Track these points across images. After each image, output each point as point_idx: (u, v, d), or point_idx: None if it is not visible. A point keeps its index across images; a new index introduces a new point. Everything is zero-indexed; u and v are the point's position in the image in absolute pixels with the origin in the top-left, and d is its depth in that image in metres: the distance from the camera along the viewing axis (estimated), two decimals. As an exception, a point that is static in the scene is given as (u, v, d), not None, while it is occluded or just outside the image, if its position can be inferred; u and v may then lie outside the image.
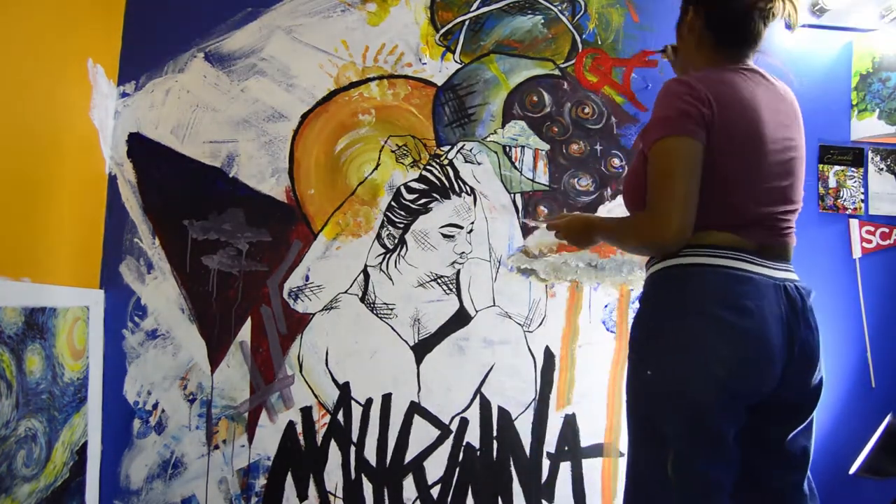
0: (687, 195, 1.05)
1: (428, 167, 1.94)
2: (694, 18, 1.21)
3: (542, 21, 2.00)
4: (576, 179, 1.97)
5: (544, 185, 1.96)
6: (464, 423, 1.89)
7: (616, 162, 1.99)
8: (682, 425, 1.04)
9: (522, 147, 1.96)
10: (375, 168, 1.93)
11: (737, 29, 1.18)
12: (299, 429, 1.85)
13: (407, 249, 1.91)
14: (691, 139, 1.06)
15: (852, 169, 2.06)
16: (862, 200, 2.05)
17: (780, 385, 1.06)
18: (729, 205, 1.09)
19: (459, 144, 1.95)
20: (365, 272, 1.90)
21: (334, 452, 1.85)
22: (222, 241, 1.86)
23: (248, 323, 1.86)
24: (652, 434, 1.08)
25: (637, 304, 1.21)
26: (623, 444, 1.91)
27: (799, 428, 1.14)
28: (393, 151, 1.93)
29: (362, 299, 1.90)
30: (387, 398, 1.88)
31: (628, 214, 1.27)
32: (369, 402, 1.88)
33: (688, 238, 1.06)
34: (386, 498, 1.85)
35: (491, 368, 1.91)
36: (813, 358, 1.10)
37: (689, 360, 1.04)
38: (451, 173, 1.94)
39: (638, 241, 1.16)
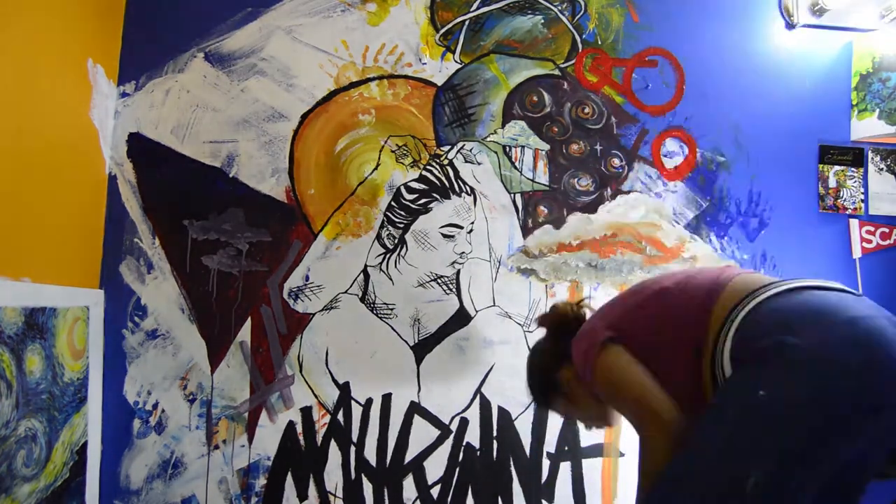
0: (646, 388, 1.12)
1: (428, 167, 1.94)
2: (565, 375, 1.37)
3: (542, 21, 2.00)
4: (576, 179, 1.97)
5: (544, 185, 1.96)
6: (464, 423, 1.89)
7: (616, 162, 1.99)
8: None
9: (522, 147, 1.96)
10: (375, 168, 1.93)
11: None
12: (299, 429, 1.85)
13: (407, 249, 1.91)
14: (609, 340, 1.20)
15: (852, 169, 2.06)
16: (862, 200, 2.05)
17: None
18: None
19: (459, 144, 1.95)
20: (365, 272, 1.90)
21: (334, 452, 1.85)
22: (222, 241, 1.86)
23: (248, 323, 1.86)
24: (745, 454, 1.00)
25: None
26: (623, 444, 1.91)
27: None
28: (393, 151, 1.93)
29: (362, 299, 1.90)
30: (387, 398, 1.88)
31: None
32: (369, 402, 1.88)
33: (678, 414, 1.10)
34: (386, 498, 1.85)
35: (491, 368, 1.91)
36: None
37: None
38: (451, 173, 1.94)
39: (654, 448, 1.12)
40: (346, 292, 1.89)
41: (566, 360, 1.35)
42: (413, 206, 1.92)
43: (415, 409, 1.88)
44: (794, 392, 0.98)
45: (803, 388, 0.98)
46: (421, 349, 1.90)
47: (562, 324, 1.43)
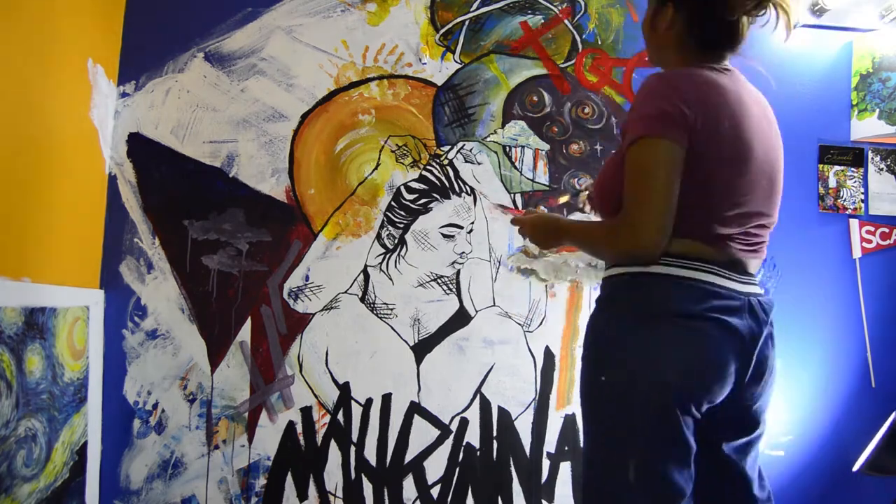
0: (666, 202, 0.99)
1: (428, 167, 1.94)
2: (674, 17, 1.13)
3: (543, 21, 2.00)
4: (576, 179, 1.97)
5: (544, 185, 1.96)
6: (464, 423, 1.89)
7: (616, 162, 1.99)
8: (649, 429, 1.01)
9: (522, 147, 1.96)
10: (375, 168, 1.93)
11: (724, 32, 1.12)
12: (299, 429, 1.85)
13: (407, 249, 1.91)
14: (672, 143, 0.99)
15: (852, 169, 2.06)
16: (862, 200, 2.05)
17: (729, 399, 1.04)
18: (705, 215, 1.04)
19: (459, 144, 1.95)
20: (365, 272, 1.90)
21: (334, 452, 1.85)
22: (222, 241, 1.86)
23: (248, 323, 1.86)
24: (612, 439, 1.05)
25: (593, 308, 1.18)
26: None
27: (741, 442, 1.10)
28: (393, 151, 1.93)
29: (362, 299, 1.90)
30: (387, 398, 1.88)
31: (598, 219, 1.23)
32: (369, 402, 1.88)
33: (664, 248, 1.01)
34: (386, 498, 1.85)
35: (491, 368, 1.91)
36: (769, 375, 1.08)
37: (656, 366, 1.01)
38: (451, 173, 1.94)
39: (611, 249, 1.10)
40: (346, 292, 1.89)
41: (686, 11, 1.12)
42: (413, 206, 1.92)
43: (415, 409, 1.88)
44: (626, 372, 1.04)
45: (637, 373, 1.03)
46: (421, 349, 1.90)
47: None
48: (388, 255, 1.91)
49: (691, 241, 1.04)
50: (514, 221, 1.37)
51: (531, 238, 1.32)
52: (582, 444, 1.15)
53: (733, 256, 1.06)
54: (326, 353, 1.87)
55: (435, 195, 1.93)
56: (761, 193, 1.10)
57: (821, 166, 2.05)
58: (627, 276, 1.08)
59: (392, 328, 1.89)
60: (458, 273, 1.92)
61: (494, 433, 1.90)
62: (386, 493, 1.85)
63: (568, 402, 1.91)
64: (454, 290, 1.92)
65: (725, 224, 1.05)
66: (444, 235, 1.92)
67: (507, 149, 1.96)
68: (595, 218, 1.37)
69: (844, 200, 2.05)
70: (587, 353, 1.12)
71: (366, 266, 1.91)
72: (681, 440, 1.01)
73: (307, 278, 1.88)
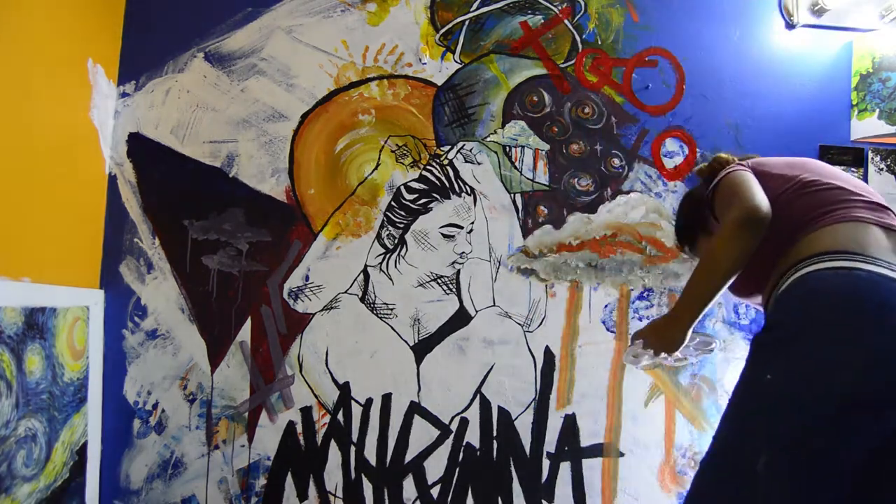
0: (754, 186, 1.23)
1: (428, 167, 1.94)
2: (710, 225, 1.46)
3: (543, 21, 2.00)
4: (576, 179, 1.97)
5: (544, 185, 1.96)
6: (464, 423, 1.89)
7: (616, 162, 1.99)
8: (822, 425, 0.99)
9: (522, 147, 1.96)
10: (375, 168, 1.93)
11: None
12: (299, 429, 1.85)
13: (407, 249, 1.91)
14: (743, 168, 1.31)
15: (852, 169, 2.06)
16: (862, 200, 2.05)
17: None
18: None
19: (459, 144, 1.95)
20: (365, 272, 1.90)
21: (334, 452, 1.85)
22: (222, 241, 1.86)
23: (248, 323, 1.86)
24: (758, 435, 1.03)
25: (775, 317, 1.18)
26: (623, 443, 1.91)
27: None
28: (393, 151, 1.93)
29: (362, 299, 1.90)
30: (387, 398, 1.88)
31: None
32: (369, 402, 1.88)
33: (769, 213, 1.17)
34: (386, 498, 1.85)
35: (491, 368, 1.91)
36: None
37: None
38: (451, 173, 1.94)
39: (733, 231, 1.18)
40: (346, 292, 1.89)
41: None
42: (413, 206, 1.92)
43: (415, 409, 1.88)
44: (797, 380, 1.01)
45: (804, 377, 1.01)
46: (421, 349, 1.90)
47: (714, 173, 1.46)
48: (388, 255, 1.91)
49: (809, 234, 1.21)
50: (634, 337, 1.47)
51: (658, 347, 1.37)
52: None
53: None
54: (326, 353, 1.87)
55: (435, 195, 1.93)
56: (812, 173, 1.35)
57: (821, 166, 2.05)
58: (793, 281, 1.17)
59: (392, 328, 1.89)
60: (458, 273, 1.92)
61: (494, 433, 1.90)
62: (386, 493, 1.85)
63: (568, 402, 1.92)
64: (454, 290, 1.92)
65: (814, 203, 1.26)
66: (444, 235, 1.92)
67: (507, 149, 1.96)
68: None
69: (844, 200, 2.04)
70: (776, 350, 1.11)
71: (366, 266, 1.91)
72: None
73: (307, 278, 1.88)
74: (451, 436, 1.89)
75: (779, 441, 1.01)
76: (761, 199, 1.19)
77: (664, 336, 1.34)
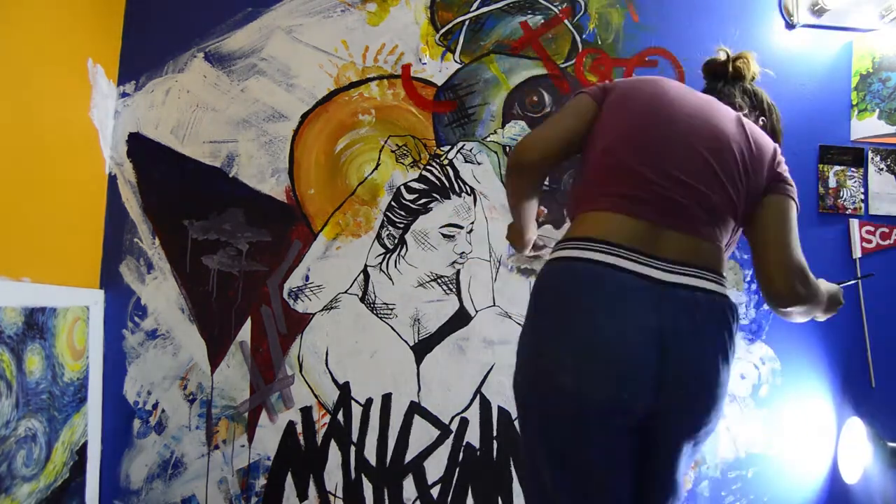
0: (555, 125, 1.14)
1: (428, 167, 1.94)
2: None
3: (543, 21, 2.00)
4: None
5: (545, 184, 1.96)
6: (464, 423, 1.89)
7: (616, 162, 1.98)
8: (535, 437, 1.00)
9: (522, 147, 1.96)
10: (375, 168, 1.93)
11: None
12: (299, 429, 1.85)
13: (407, 249, 1.91)
14: (586, 96, 1.15)
15: (852, 169, 2.06)
16: (862, 200, 2.05)
17: (656, 407, 0.95)
18: (620, 167, 1.06)
19: (459, 144, 1.95)
20: (365, 272, 1.90)
21: (334, 452, 1.85)
22: (222, 241, 1.86)
23: (248, 323, 1.86)
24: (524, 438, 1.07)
25: None
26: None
27: (658, 463, 1.00)
28: (393, 151, 1.93)
29: (362, 299, 1.90)
30: (387, 398, 1.88)
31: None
32: (369, 402, 1.88)
33: (542, 160, 1.12)
34: (386, 498, 1.85)
35: (491, 368, 1.91)
36: (696, 384, 0.96)
37: (534, 364, 1.02)
38: (451, 173, 1.94)
39: (507, 167, 1.19)
40: (346, 292, 1.89)
41: None
42: (413, 206, 1.92)
43: (415, 409, 1.88)
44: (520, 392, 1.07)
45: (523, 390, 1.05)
46: (421, 349, 1.90)
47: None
48: (388, 255, 1.91)
49: (606, 211, 1.08)
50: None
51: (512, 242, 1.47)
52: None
53: (658, 223, 1.07)
54: (326, 353, 1.87)
55: (435, 195, 1.93)
56: (689, 165, 1.09)
57: (821, 166, 2.05)
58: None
59: (392, 328, 1.89)
60: (458, 273, 1.92)
61: (494, 433, 1.90)
62: (386, 493, 1.85)
63: (568, 402, 1.91)
64: (454, 290, 1.92)
65: (601, 184, 1.13)
66: (444, 235, 1.92)
67: (507, 149, 1.95)
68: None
69: (844, 200, 2.05)
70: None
71: (366, 266, 1.91)
72: (574, 453, 1.04)
73: (307, 278, 1.88)
74: (451, 436, 1.89)
75: (545, 456, 1.00)
76: (538, 145, 1.12)
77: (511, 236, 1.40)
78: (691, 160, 1.05)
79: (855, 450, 1.85)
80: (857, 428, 1.87)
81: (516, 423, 1.08)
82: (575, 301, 0.98)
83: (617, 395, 0.93)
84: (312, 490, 1.84)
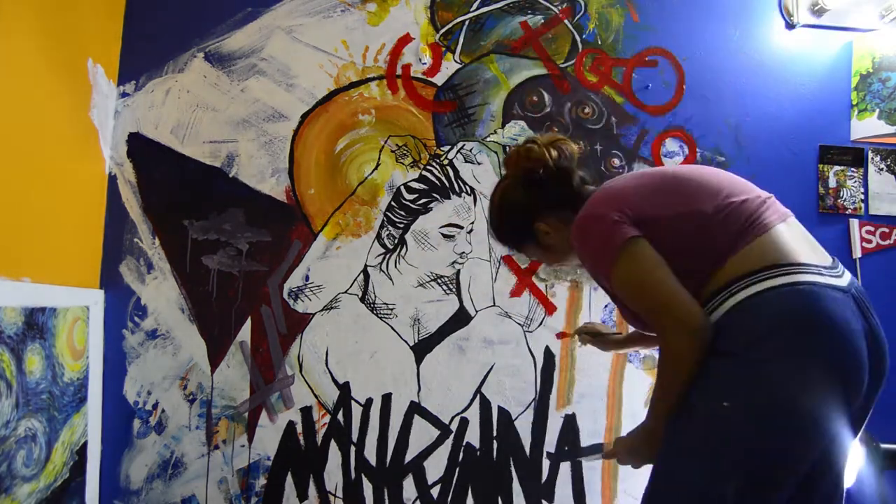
0: (675, 287, 1.01)
1: (428, 167, 1.94)
2: (543, 228, 1.25)
3: (543, 21, 2.00)
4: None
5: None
6: (464, 423, 1.89)
7: (616, 162, 1.98)
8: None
9: (522, 147, 1.96)
10: (375, 168, 1.93)
11: (574, 192, 1.25)
12: (299, 429, 1.85)
13: (407, 249, 1.91)
14: (632, 239, 1.04)
15: (852, 169, 2.06)
16: (862, 200, 2.05)
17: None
18: (710, 252, 1.05)
19: (459, 144, 1.95)
20: (365, 272, 1.90)
21: (334, 452, 1.85)
22: (222, 241, 1.86)
23: (248, 323, 1.86)
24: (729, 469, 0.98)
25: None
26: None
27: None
28: (393, 151, 1.93)
29: (362, 299, 1.90)
30: (387, 398, 1.88)
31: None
32: (369, 402, 1.88)
33: (707, 320, 1.01)
34: (386, 498, 1.85)
35: (491, 368, 1.91)
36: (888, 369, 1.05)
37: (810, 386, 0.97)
38: (451, 173, 1.94)
39: (680, 363, 1.02)
40: (346, 292, 1.89)
41: (542, 212, 1.25)
42: (413, 206, 1.92)
43: (415, 409, 1.88)
44: (756, 404, 0.97)
45: (764, 401, 0.97)
46: (421, 349, 1.90)
47: (532, 173, 1.26)
48: (388, 255, 1.91)
49: (735, 255, 1.04)
50: (606, 457, 1.31)
51: (631, 462, 1.22)
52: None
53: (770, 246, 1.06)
54: (326, 353, 1.87)
55: (435, 195, 1.93)
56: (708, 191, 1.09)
57: (821, 166, 2.05)
58: (731, 308, 1.03)
59: (392, 328, 1.89)
60: (458, 273, 1.92)
61: (494, 433, 1.90)
62: (386, 493, 1.85)
63: (567, 403, 1.91)
64: (454, 290, 1.92)
65: (732, 223, 1.06)
66: (444, 235, 1.92)
67: (507, 149, 1.95)
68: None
69: (844, 200, 2.05)
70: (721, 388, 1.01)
71: (366, 266, 1.91)
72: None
73: (307, 278, 1.88)
74: (451, 436, 1.89)
75: (751, 471, 0.97)
76: (694, 305, 1.00)
77: (641, 452, 1.19)
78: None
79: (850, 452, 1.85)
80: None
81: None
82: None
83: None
84: (312, 490, 1.84)
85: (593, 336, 1.52)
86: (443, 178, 1.94)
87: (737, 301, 1.01)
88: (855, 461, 1.80)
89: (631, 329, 1.45)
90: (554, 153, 1.25)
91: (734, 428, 0.97)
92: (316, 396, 1.86)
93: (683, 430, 1.03)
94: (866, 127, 2.05)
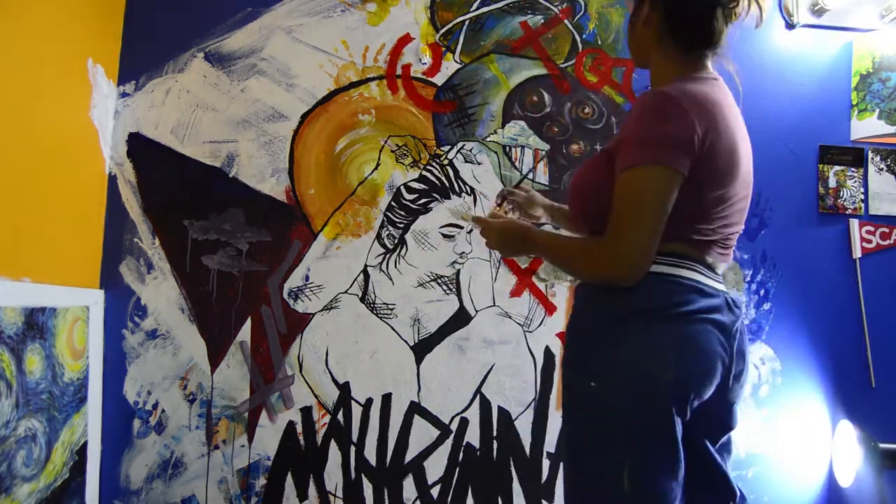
0: (656, 233, 0.97)
1: (428, 167, 1.94)
2: (650, 13, 1.11)
3: (543, 21, 2.00)
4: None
5: (544, 185, 1.96)
6: (464, 423, 1.89)
7: (616, 162, 1.98)
8: (645, 433, 0.99)
9: (522, 147, 1.96)
10: (375, 168, 1.93)
11: (698, 28, 1.10)
12: (299, 429, 1.85)
13: (407, 249, 1.91)
14: (672, 170, 0.96)
15: (852, 169, 2.06)
16: (862, 200, 2.05)
17: (714, 395, 1.03)
18: (693, 224, 1.03)
19: (459, 144, 1.95)
20: (365, 272, 1.90)
21: (334, 452, 1.85)
22: (222, 241, 1.86)
23: (248, 323, 1.86)
24: (603, 446, 1.01)
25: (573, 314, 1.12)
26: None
27: (723, 440, 1.11)
28: (393, 151, 1.93)
29: (362, 299, 1.90)
30: (387, 398, 1.88)
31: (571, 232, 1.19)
32: (369, 402, 1.88)
33: (642, 275, 0.99)
34: (386, 498, 1.85)
35: (491, 368, 1.91)
36: (745, 368, 1.09)
37: (653, 366, 0.98)
38: (451, 173, 1.94)
39: (589, 271, 1.05)
40: (346, 292, 1.89)
41: (666, 9, 1.11)
42: (413, 206, 1.92)
43: (415, 409, 1.88)
44: (620, 381, 1.00)
45: (627, 377, 1.00)
46: (421, 349, 1.90)
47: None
48: (388, 255, 1.91)
49: (677, 242, 1.02)
50: (476, 220, 1.28)
51: (495, 245, 1.24)
52: (564, 454, 1.11)
53: (711, 259, 1.06)
54: (326, 353, 1.87)
55: (435, 195, 1.93)
56: (740, 205, 1.08)
57: (821, 166, 2.05)
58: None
59: (392, 328, 1.89)
60: (458, 273, 1.92)
61: (494, 433, 1.90)
62: (386, 493, 1.85)
63: (568, 402, 1.91)
64: (454, 290, 1.92)
65: (710, 234, 1.04)
66: (444, 235, 1.92)
67: (507, 149, 1.95)
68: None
69: (844, 200, 2.05)
70: (573, 360, 1.09)
71: (366, 266, 1.91)
72: (675, 444, 0.99)
73: (307, 278, 1.88)
74: (451, 436, 1.89)
75: (633, 447, 0.99)
76: (644, 260, 0.98)
77: (508, 244, 1.21)
78: (744, 206, 1.11)
79: (847, 452, 1.85)
80: (847, 431, 1.87)
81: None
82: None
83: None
84: (312, 490, 1.84)
85: (518, 205, 1.44)
86: (443, 178, 1.94)
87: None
88: (853, 461, 1.80)
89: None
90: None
91: (605, 408, 1.02)
92: (316, 396, 1.86)
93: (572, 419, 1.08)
94: (866, 127, 2.05)
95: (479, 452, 1.89)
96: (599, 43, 2.01)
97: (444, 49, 1.97)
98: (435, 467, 1.87)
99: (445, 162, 1.94)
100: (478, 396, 1.90)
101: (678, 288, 1.01)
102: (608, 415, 1.01)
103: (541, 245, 1.15)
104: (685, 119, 0.97)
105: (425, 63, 1.96)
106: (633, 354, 1.00)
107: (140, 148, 1.87)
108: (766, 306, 1.99)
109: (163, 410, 1.82)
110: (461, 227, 1.93)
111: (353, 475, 1.85)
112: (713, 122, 0.99)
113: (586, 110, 1.99)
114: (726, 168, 1.02)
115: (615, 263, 0.99)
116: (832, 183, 2.05)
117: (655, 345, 1.00)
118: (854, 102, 2.07)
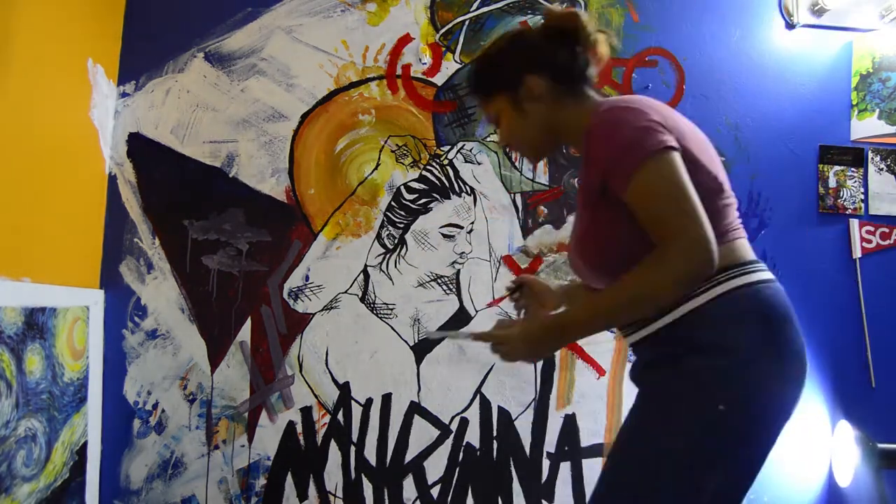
0: (699, 206, 0.91)
1: (428, 167, 1.94)
2: (536, 83, 1.08)
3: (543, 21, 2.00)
4: (576, 179, 1.97)
5: (544, 184, 1.96)
6: (464, 423, 1.89)
7: (616, 162, 1.98)
8: (755, 460, 0.99)
9: (522, 147, 1.96)
10: (375, 168, 1.93)
11: (576, 67, 1.10)
12: (299, 429, 1.85)
13: (407, 249, 1.91)
14: (670, 148, 0.93)
15: (852, 169, 2.06)
16: (862, 200, 2.05)
17: None
18: (717, 231, 0.95)
19: (459, 144, 1.95)
20: (365, 272, 1.90)
21: (334, 452, 1.85)
22: (222, 241, 1.86)
23: (248, 323, 1.86)
24: (703, 464, 0.96)
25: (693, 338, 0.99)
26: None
27: None
28: (393, 151, 1.93)
29: (362, 299, 1.90)
30: (387, 398, 1.88)
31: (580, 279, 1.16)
32: (369, 402, 1.88)
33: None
34: (386, 498, 1.85)
35: (491, 368, 1.91)
36: None
37: (789, 401, 1.01)
38: (451, 173, 1.94)
39: (671, 281, 0.91)
40: (346, 292, 1.89)
41: (547, 69, 1.08)
42: (413, 206, 1.92)
43: (415, 409, 1.88)
44: (763, 404, 0.99)
45: (770, 399, 0.99)
46: (421, 349, 1.90)
47: (569, 33, 1.09)
48: (388, 255, 1.91)
49: (723, 246, 0.96)
50: (485, 338, 1.18)
51: (526, 356, 1.12)
52: (631, 455, 1.01)
53: (745, 251, 1.04)
54: (326, 353, 1.87)
55: (435, 195, 1.93)
56: (729, 189, 1.05)
57: (821, 166, 2.05)
58: (721, 296, 0.97)
59: (392, 328, 1.89)
60: (458, 273, 1.92)
61: (494, 433, 1.90)
62: (386, 493, 1.85)
63: (568, 403, 1.91)
64: (454, 290, 1.92)
65: (728, 216, 1.03)
66: (444, 235, 1.92)
67: (507, 149, 1.95)
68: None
69: (844, 200, 2.05)
70: (708, 384, 0.97)
71: (366, 266, 1.91)
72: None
73: (307, 278, 1.88)
74: (451, 436, 1.89)
75: (737, 470, 0.98)
76: (710, 228, 0.90)
77: (543, 345, 1.08)
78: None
79: (846, 452, 1.85)
80: (846, 431, 1.87)
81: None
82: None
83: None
84: (312, 490, 1.84)
85: (530, 295, 1.33)
86: (443, 178, 1.94)
87: (720, 293, 0.97)
88: (852, 461, 1.80)
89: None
90: (598, 35, 1.10)
91: (731, 432, 0.96)
92: (316, 396, 1.86)
93: (658, 438, 0.97)
94: (866, 127, 2.05)
95: (479, 452, 1.89)
96: (599, 43, 2.01)
97: (444, 49, 1.97)
98: (435, 467, 1.87)
99: (445, 162, 1.94)
100: (478, 396, 1.90)
101: (777, 294, 1.01)
102: (727, 437, 0.96)
103: (584, 320, 1.01)
104: (641, 112, 0.96)
105: (425, 63, 1.96)
106: (777, 386, 0.99)
107: (140, 148, 1.87)
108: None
109: (163, 410, 1.82)
110: (461, 227, 1.93)
111: (353, 475, 1.85)
112: (655, 109, 0.98)
113: (586, 110, 1.99)
114: (697, 146, 1.00)
115: (697, 249, 0.90)
116: (832, 183, 2.05)
117: (789, 377, 1.00)
118: (854, 102, 2.07)
